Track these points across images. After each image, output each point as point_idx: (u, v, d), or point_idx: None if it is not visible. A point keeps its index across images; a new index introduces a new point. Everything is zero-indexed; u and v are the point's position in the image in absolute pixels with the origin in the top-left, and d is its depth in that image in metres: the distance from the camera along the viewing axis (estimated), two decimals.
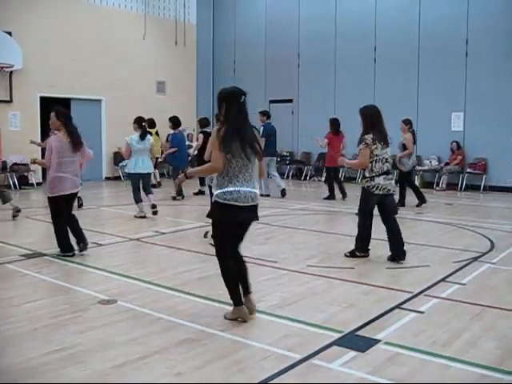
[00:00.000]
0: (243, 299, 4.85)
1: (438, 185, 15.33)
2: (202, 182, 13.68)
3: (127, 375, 3.77)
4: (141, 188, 10.35)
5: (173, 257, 7.37)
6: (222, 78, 20.15)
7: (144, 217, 10.16)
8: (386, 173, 7.01)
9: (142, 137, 10.16)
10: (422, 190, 12.31)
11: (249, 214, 4.73)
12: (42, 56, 15.34)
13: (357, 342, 4.39)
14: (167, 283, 6.00)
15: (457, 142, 15.18)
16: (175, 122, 13.44)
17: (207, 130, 12.06)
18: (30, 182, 15.33)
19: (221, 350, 4.22)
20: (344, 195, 12.95)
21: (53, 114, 7.18)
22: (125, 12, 17.64)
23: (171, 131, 13.73)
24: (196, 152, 12.75)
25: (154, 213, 10.22)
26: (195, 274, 6.42)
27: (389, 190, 7.04)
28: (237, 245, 4.90)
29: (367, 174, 7.04)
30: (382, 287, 5.91)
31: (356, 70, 16.75)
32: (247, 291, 4.91)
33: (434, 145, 15.47)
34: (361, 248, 7.28)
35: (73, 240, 7.26)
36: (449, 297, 5.60)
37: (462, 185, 15.20)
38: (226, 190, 4.62)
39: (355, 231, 7.39)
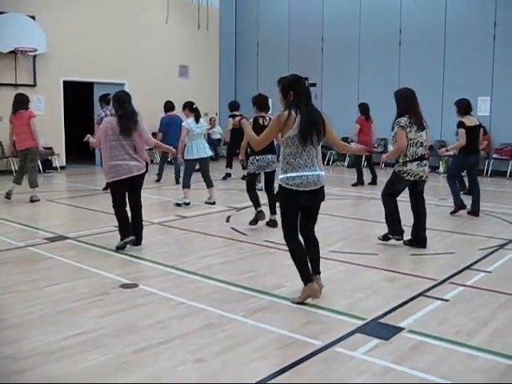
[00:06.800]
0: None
1: None
2: (228, 164, 13.71)
3: (148, 360, 3.76)
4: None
5: (195, 241, 7.36)
6: (245, 62, 20.04)
7: (188, 204, 9.81)
8: (420, 158, 6.70)
9: (197, 120, 9.81)
10: (445, 175, 12.03)
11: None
12: (66, 40, 15.33)
13: (380, 329, 4.33)
14: (189, 267, 5.98)
15: (483, 127, 14.88)
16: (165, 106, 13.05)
17: (236, 113, 11.97)
18: (54, 165, 15.43)
19: (243, 336, 4.19)
20: (375, 180, 12.76)
21: None
22: None
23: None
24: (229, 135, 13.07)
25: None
26: (218, 258, 6.40)
27: (421, 176, 6.75)
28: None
29: (400, 159, 6.72)
30: (406, 274, 5.82)
31: (380, 53, 16.49)
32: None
33: None
34: (392, 229, 6.94)
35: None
36: (474, 285, 5.49)
37: (487, 170, 14.94)
38: None
39: (379, 216, 7.29)
